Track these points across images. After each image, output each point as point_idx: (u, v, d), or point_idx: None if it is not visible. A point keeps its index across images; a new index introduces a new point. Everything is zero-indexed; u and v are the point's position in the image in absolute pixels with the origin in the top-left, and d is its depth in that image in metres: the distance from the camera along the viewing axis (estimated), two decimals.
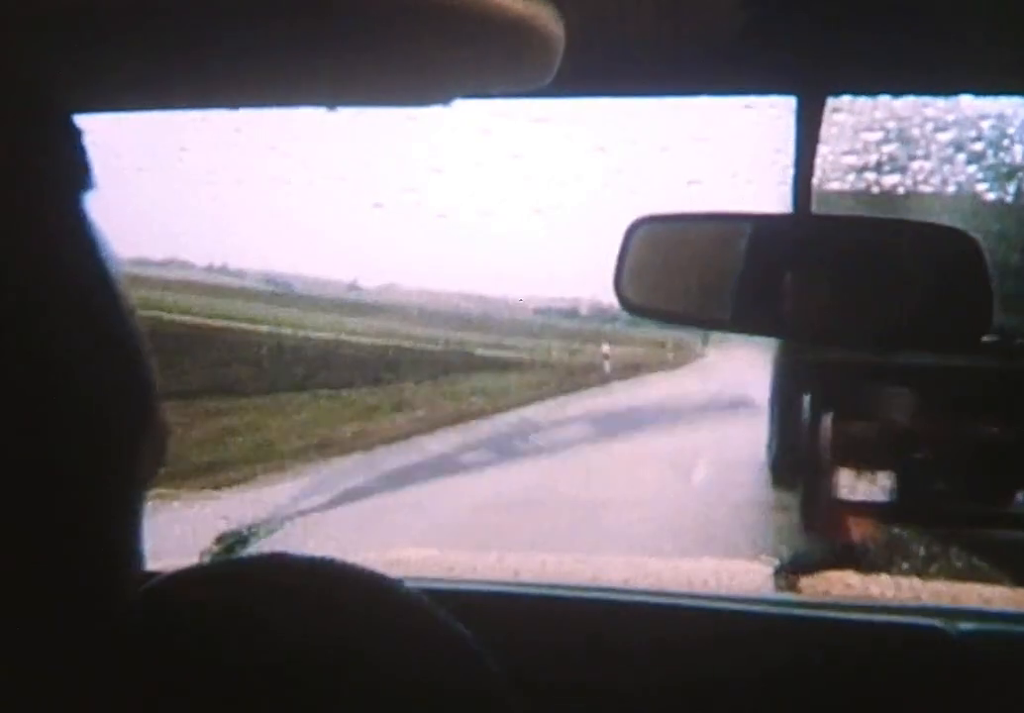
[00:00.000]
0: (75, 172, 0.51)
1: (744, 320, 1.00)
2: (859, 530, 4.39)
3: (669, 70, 0.91)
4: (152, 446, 0.53)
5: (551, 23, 0.49)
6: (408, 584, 0.60)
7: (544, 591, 1.21)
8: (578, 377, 12.86)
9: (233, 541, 1.47)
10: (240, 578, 0.60)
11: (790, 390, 5.63)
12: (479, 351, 13.19)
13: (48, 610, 0.49)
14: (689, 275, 1.04)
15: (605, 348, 13.78)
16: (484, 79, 0.57)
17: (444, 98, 0.60)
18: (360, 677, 0.55)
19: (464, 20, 0.47)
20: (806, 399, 5.27)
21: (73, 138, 0.51)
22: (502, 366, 12.97)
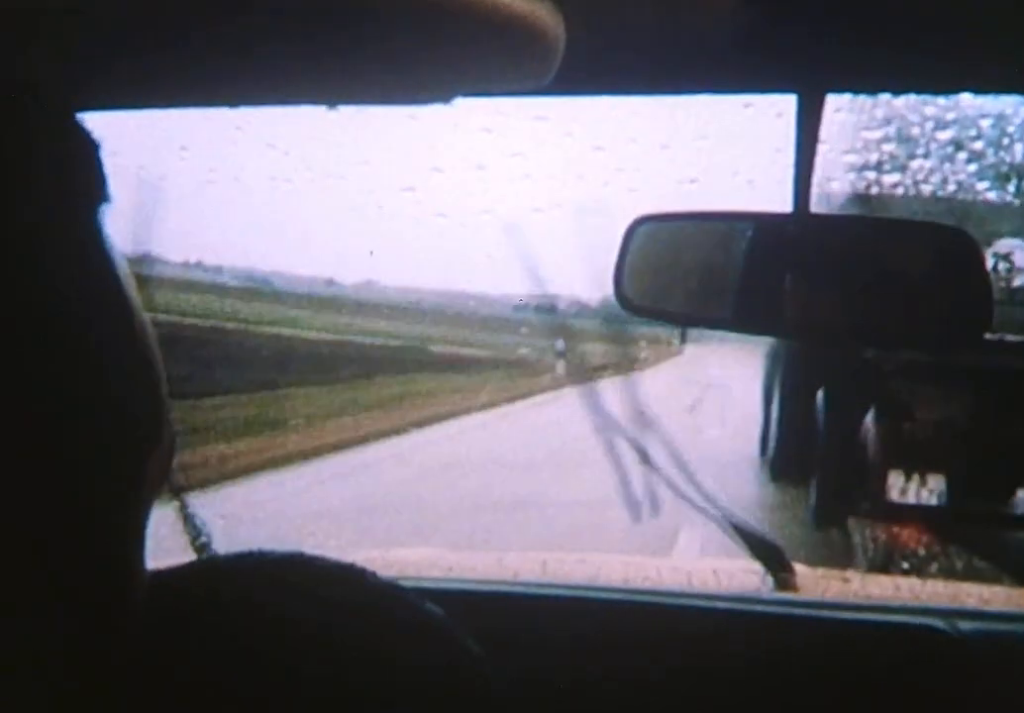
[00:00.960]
0: (90, 184, 0.51)
1: (744, 320, 1.00)
2: (910, 534, 4.34)
3: (669, 68, 0.91)
4: (160, 455, 0.54)
5: (552, 22, 0.49)
6: (406, 584, 0.60)
7: (543, 591, 1.21)
8: (529, 379, 11.26)
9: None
10: (229, 574, 0.60)
11: (799, 385, 5.56)
12: (437, 348, 12.48)
13: (53, 615, 0.49)
14: (689, 274, 1.04)
15: (559, 345, 11.60)
16: (485, 78, 0.57)
17: (445, 97, 0.60)
18: (347, 670, 0.55)
19: (464, 19, 0.46)
20: (819, 395, 5.21)
21: (88, 150, 0.51)
22: (449, 366, 11.62)
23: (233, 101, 0.67)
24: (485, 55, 0.51)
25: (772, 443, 6.37)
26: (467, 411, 9.14)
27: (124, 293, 0.52)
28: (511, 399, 10.30)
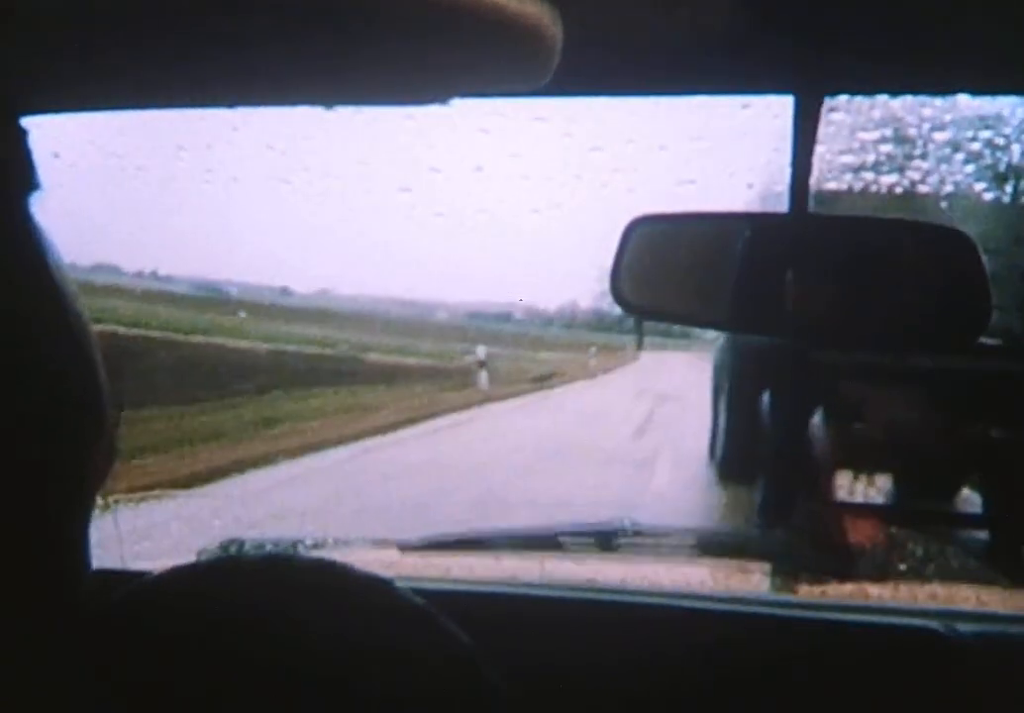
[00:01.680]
0: (20, 173, 0.51)
1: (741, 320, 1.00)
2: (861, 533, 4.36)
3: (667, 70, 0.91)
4: (103, 450, 0.53)
5: (549, 22, 0.49)
6: (405, 585, 0.60)
7: (542, 592, 1.21)
8: (448, 393, 9.75)
9: (237, 548, 1.46)
10: (224, 576, 0.60)
11: (745, 386, 5.55)
12: (373, 357, 11.59)
13: None
14: (686, 274, 1.04)
15: (480, 353, 10.32)
16: (482, 78, 0.57)
17: (442, 97, 0.60)
18: (341, 670, 0.54)
19: (462, 19, 0.46)
20: (765, 395, 5.20)
21: (17, 139, 0.51)
22: (371, 377, 10.02)
23: (231, 102, 0.66)
24: (483, 56, 0.51)
25: (720, 444, 6.32)
26: (326, 445, 7.05)
27: (57, 280, 0.51)
28: (413, 420, 8.09)
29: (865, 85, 1.01)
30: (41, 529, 0.50)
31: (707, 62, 0.87)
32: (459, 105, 0.63)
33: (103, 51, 0.49)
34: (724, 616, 1.16)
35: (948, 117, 4.41)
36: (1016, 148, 4.56)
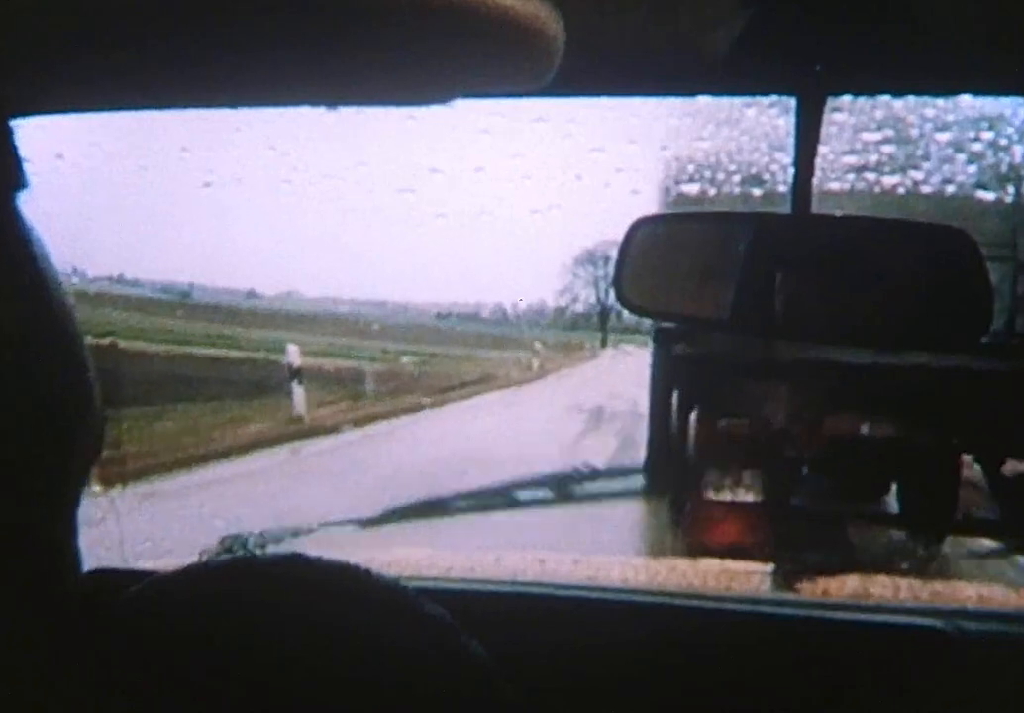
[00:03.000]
0: (6, 171, 0.51)
1: (743, 320, 1.00)
2: (728, 531, 4.29)
3: (669, 70, 0.91)
4: (88, 440, 0.53)
5: (551, 23, 0.49)
6: (406, 584, 0.60)
7: (543, 591, 1.21)
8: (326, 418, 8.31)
9: (232, 543, 1.47)
10: (233, 576, 0.60)
11: (662, 386, 5.46)
12: (307, 361, 10.69)
13: None
14: (689, 275, 1.04)
15: (291, 355, 8.56)
16: (484, 78, 0.57)
17: (443, 97, 0.60)
18: (353, 672, 0.55)
19: (464, 19, 0.46)
20: (675, 395, 5.13)
21: (4, 137, 0.51)
22: (264, 387, 8.76)
23: (232, 102, 0.66)
24: (484, 56, 0.51)
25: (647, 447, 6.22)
26: None
27: (46, 278, 0.52)
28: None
29: (868, 86, 1.01)
30: (27, 528, 0.50)
31: (709, 63, 0.87)
32: (460, 105, 0.63)
33: (102, 51, 0.49)
34: (725, 615, 1.16)
35: (951, 117, 4.41)
36: (1018, 148, 4.55)
